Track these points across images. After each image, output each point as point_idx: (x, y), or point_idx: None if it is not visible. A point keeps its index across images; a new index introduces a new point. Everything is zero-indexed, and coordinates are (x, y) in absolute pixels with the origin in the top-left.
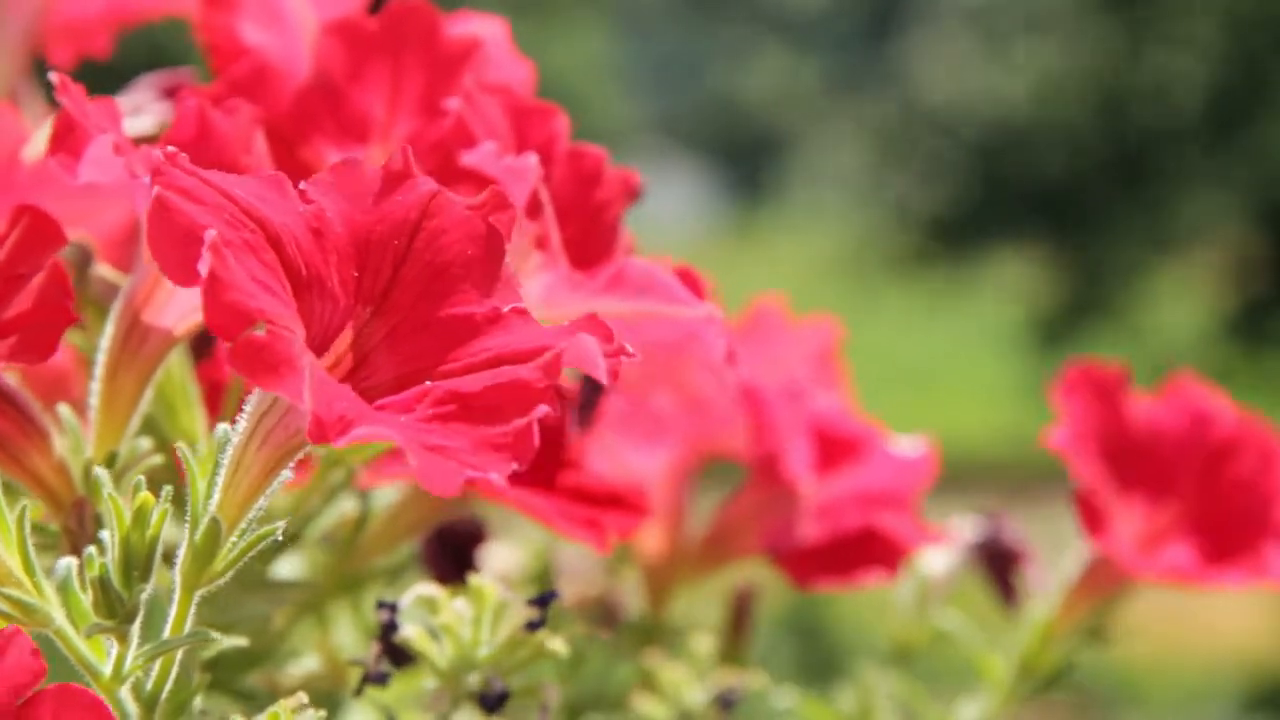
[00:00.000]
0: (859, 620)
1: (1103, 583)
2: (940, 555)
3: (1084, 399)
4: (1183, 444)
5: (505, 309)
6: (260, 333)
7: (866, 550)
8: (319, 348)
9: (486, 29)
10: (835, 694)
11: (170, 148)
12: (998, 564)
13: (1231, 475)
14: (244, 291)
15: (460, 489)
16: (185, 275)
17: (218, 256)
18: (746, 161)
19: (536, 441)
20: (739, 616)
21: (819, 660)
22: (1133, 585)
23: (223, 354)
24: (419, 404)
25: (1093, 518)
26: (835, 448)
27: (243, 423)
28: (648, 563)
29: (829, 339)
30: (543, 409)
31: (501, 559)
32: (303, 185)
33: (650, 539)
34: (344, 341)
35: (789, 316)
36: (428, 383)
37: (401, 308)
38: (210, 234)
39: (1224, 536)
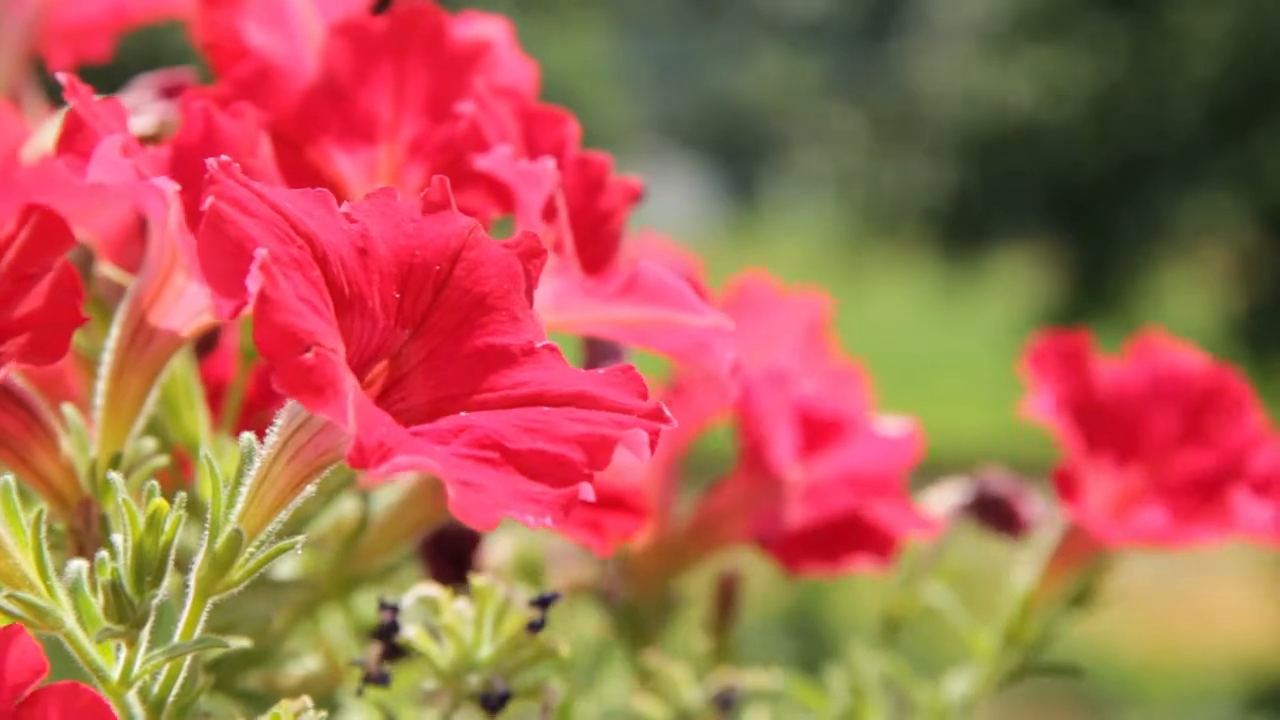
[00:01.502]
0: (853, 613)
1: (1078, 550)
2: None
3: (1055, 367)
4: (1153, 401)
5: (539, 344)
6: (307, 354)
7: (856, 537)
8: (357, 367)
9: (491, 30)
10: (826, 676)
11: (224, 157)
12: (993, 511)
13: (1204, 426)
14: (294, 312)
15: (495, 525)
16: (232, 289)
17: (268, 276)
18: (745, 161)
19: (573, 509)
20: (724, 602)
21: (813, 652)
22: (1112, 553)
23: (268, 372)
24: (456, 438)
25: (1068, 486)
26: (820, 430)
27: (272, 437)
28: (636, 552)
29: (817, 312)
30: (585, 487)
31: (492, 551)
32: (345, 207)
33: None
34: (380, 361)
35: (776, 291)
36: (463, 413)
37: (441, 332)
38: (261, 252)
39: (1198, 491)
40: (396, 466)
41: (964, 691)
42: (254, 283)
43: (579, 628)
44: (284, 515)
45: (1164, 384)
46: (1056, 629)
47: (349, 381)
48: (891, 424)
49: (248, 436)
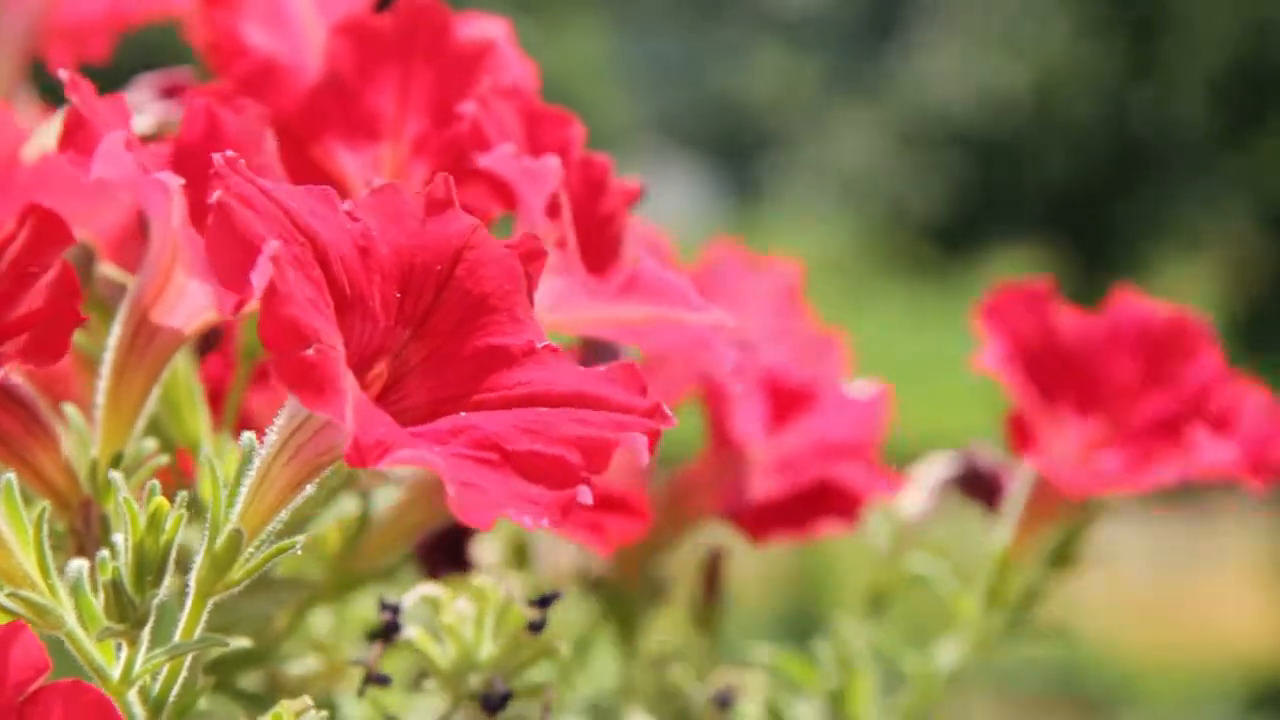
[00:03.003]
0: (845, 577)
1: (1048, 503)
2: (913, 496)
3: (1008, 318)
4: (1114, 350)
5: (539, 345)
6: (309, 351)
7: (823, 501)
8: (356, 367)
9: (494, 29)
10: (815, 646)
11: (230, 152)
12: (981, 490)
13: (1164, 370)
14: (300, 307)
15: (493, 525)
16: (239, 282)
17: (278, 269)
18: (745, 161)
19: (571, 511)
20: (710, 579)
21: (804, 617)
22: (1087, 508)
23: (270, 366)
24: (455, 438)
25: (1022, 436)
26: (788, 399)
27: (272, 436)
28: None
29: (792, 278)
30: (583, 490)
31: (481, 547)
32: (347, 205)
33: None
34: (380, 361)
35: (749, 260)
36: (463, 413)
37: (441, 332)
38: (271, 245)
39: (1160, 434)
40: (395, 461)
41: (954, 660)
42: (262, 275)
43: (566, 615)
44: (284, 515)
45: (1124, 332)
46: (1038, 587)
47: (348, 380)
48: (861, 388)
49: (248, 436)
